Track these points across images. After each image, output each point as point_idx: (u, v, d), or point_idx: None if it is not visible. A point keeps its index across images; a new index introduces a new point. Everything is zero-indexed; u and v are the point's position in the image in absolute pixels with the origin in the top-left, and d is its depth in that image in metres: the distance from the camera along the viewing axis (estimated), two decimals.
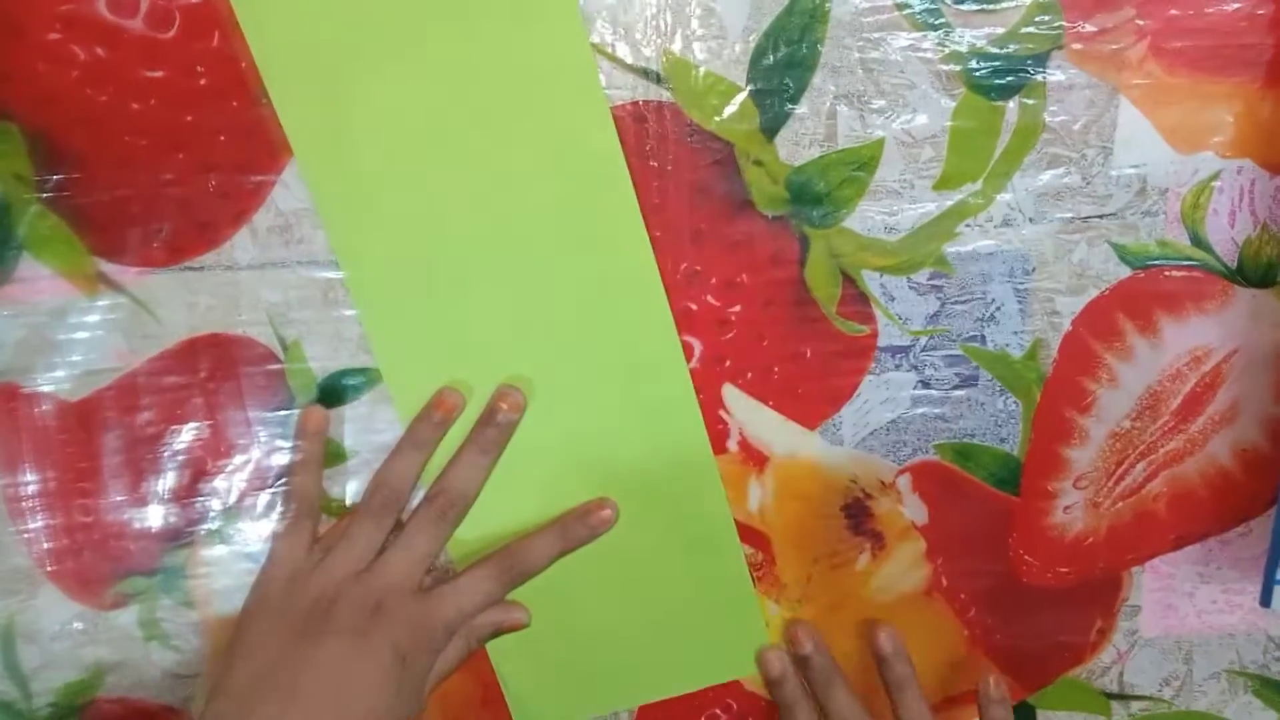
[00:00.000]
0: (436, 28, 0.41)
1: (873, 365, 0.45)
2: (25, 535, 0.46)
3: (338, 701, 0.40)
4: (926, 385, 0.46)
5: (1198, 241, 0.44)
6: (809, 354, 0.45)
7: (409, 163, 0.42)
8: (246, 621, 0.43)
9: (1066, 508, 0.48)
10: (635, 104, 0.42)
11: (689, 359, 0.45)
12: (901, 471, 0.47)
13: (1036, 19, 0.41)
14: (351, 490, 0.46)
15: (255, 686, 0.40)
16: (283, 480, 0.45)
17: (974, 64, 0.41)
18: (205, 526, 0.46)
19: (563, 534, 0.45)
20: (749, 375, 0.45)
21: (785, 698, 0.48)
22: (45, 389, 0.44)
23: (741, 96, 0.42)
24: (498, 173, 0.42)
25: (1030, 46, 0.41)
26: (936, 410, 0.46)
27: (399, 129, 0.42)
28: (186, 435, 0.45)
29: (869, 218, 0.43)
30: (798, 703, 0.48)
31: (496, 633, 0.45)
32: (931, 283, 0.44)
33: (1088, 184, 0.43)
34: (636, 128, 0.42)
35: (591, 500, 0.46)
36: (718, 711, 0.50)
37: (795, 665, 0.48)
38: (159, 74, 0.41)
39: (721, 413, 0.46)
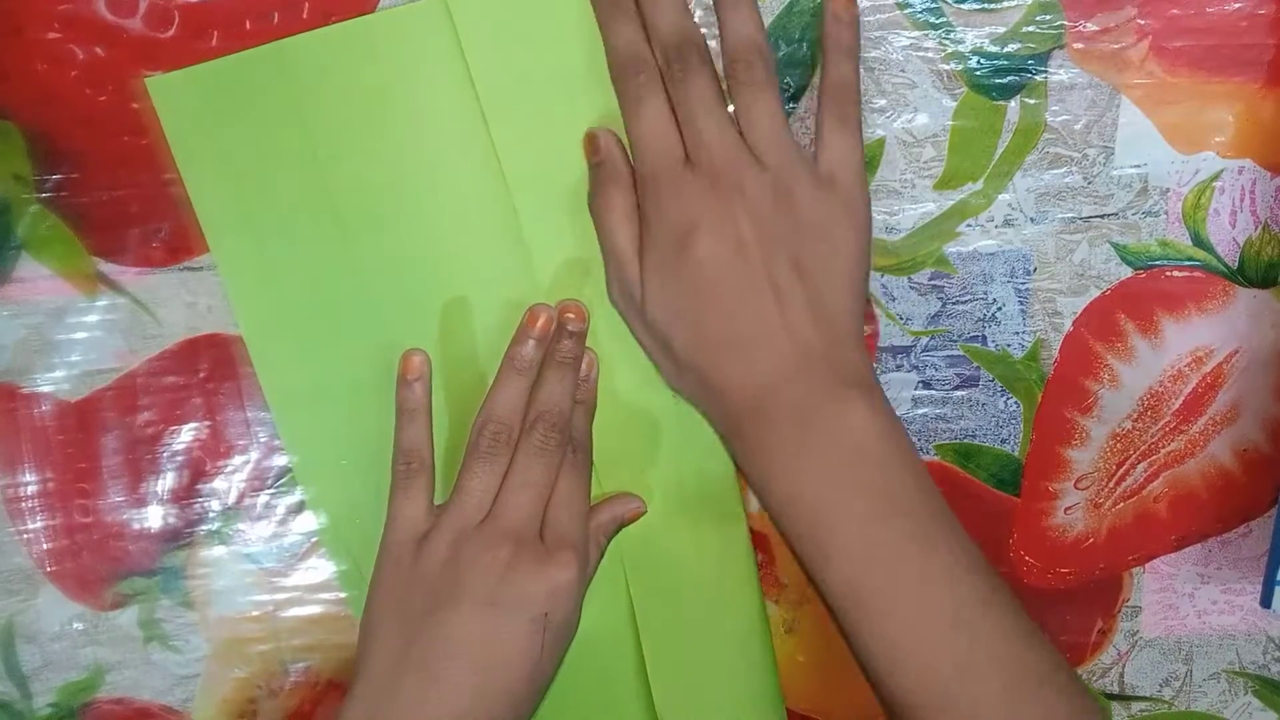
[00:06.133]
0: None
1: (874, 365, 0.45)
2: (25, 536, 0.46)
3: (478, 678, 0.38)
4: (927, 385, 0.46)
5: (1199, 242, 0.44)
6: None
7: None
8: (377, 596, 0.41)
9: (1067, 508, 0.47)
10: None
11: None
12: None
13: (1038, 18, 0.41)
14: None
15: (394, 669, 0.39)
16: (286, 475, 0.45)
17: (975, 63, 0.41)
18: (204, 527, 0.46)
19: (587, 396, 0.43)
20: None
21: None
22: (44, 389, 0.44)
23: None
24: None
25: (1031, 46, 0.41)
26: (937, 410, 0.46)
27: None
28: (186, 436, 0.45)
29: None
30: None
31: (619, 527, 0.44)
32: (932, 283, 0.44)
33: (1089, 184, 0.43)
34: None
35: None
36: None
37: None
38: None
39: None
